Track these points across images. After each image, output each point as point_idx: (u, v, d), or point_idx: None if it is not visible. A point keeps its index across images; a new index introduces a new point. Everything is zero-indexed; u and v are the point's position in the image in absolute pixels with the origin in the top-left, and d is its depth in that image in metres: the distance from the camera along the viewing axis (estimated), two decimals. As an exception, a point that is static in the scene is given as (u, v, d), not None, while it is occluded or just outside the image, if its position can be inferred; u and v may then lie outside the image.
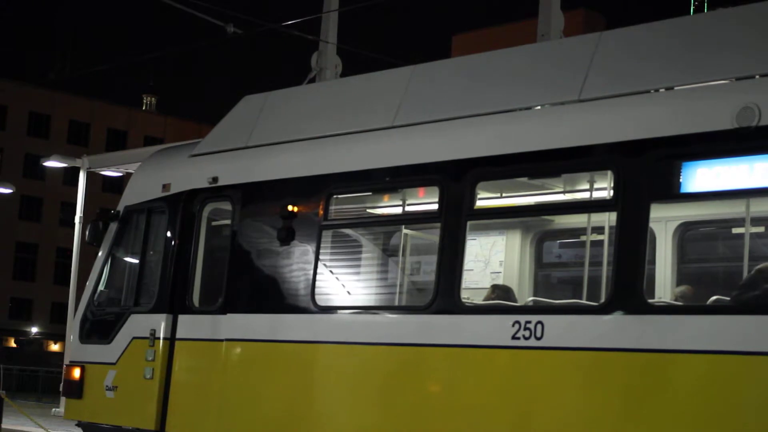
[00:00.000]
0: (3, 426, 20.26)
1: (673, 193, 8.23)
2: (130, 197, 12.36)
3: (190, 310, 11.23)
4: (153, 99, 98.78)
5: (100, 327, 12.11)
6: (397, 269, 10.63)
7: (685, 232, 9.84)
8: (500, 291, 9.65)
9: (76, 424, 12.38)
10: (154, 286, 11.56)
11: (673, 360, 7.71)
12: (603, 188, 8.79)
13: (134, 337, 11.55)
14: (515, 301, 9.66)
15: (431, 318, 9.15)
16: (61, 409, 16.80)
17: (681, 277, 9.71)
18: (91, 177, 24.38)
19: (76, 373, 12.18)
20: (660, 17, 9.35)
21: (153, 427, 11.15)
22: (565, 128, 8.76)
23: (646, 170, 8.10)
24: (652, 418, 7.73)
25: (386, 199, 10.59)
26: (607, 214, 8.74)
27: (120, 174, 24.01)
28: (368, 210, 10.73)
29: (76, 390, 12.14)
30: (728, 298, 7.99)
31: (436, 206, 9.37)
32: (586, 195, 9.21)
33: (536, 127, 9.02)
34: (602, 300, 8.40)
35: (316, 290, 10.06)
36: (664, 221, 9.70)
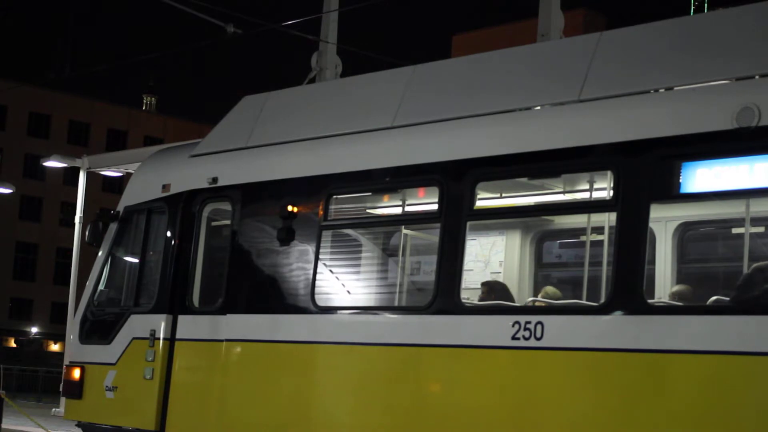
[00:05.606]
0: (3, 426, 20.24)
1: (673, 193, 8.22)
2: (130, 197, 12.35)
3: (190, 311, 11.23)
4: (153, 99, 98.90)
5: (100, 327, 12.11)
6: (397, 269, 10.62)
7: (685, 232, 9.84)
8: (496, 290, 9.65)
9: (76, 425, 12.38)
10: (154, 287, 11.55)
11: (673, 360, 7.70)
12: (603, 188, 8.78)
13: (134, 338, 11.55)
14: (511, 299, 9.66)
15: (431, 318, 9.14)
16: (61, 409, 16.78)
17: (681, 277, 9.70)
18: (91, 177, 24.36)
19: (76, 373, 12.17)
20: (660, 17, 9.34)
21: (153, 428, 11.14)
22: (565, 128, 8.75)
23: (646, 170, 8.09)
24: (652, 418, 7.72)
25: (386, 200, 10.57)
26: (606, 214, 8.73)
27: (120, 174, 23.98)
28: (368, 210, 10.72)
29: (76, 390, 12.14)
30: (728, 298, 7.98)
31: (435, 206, 9.36)
32: (585, 195, 9.20)
33: (536, 127, 9.02)
34: (602, 300, 8.39)
35: (316, 290, 10.06)
36: (664, 221, 9.69)
